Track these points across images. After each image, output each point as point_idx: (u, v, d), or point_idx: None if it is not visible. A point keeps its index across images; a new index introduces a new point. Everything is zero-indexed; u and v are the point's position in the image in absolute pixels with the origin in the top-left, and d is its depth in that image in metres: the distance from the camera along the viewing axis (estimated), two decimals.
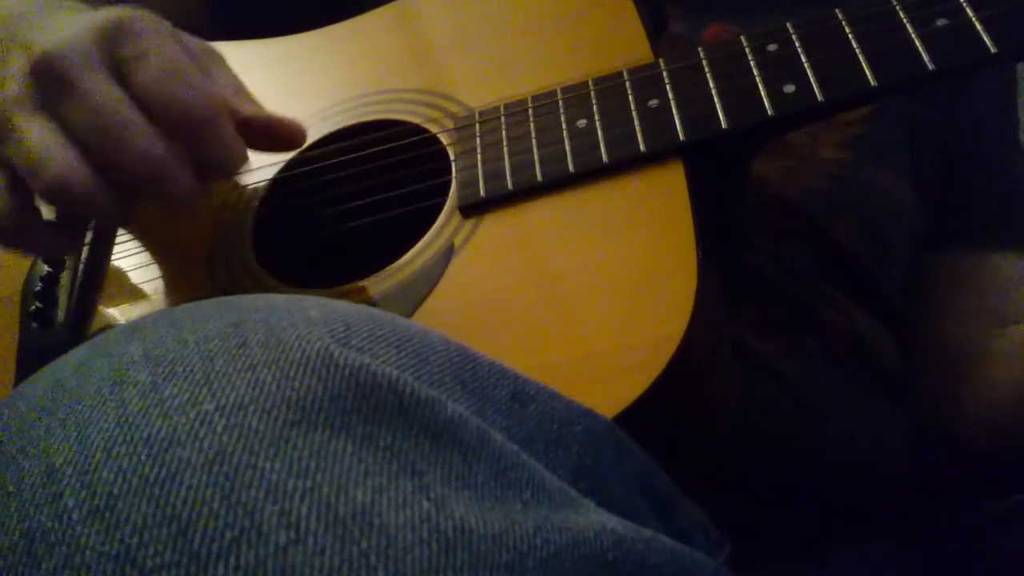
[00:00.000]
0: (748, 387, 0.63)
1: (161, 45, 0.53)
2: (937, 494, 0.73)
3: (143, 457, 0.30)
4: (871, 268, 0.69)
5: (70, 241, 0.58)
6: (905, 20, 0.54)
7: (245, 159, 0.55)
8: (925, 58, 0.53)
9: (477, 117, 0.61)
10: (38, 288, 0.64)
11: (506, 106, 0.60)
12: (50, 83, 0.51)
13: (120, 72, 0.52)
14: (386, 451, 0.32)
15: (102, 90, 0.51)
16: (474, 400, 0.37)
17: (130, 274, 0.64)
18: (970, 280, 0.74)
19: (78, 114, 0.51)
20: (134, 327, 0.36)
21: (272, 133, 0.59)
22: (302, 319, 0.35)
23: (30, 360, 0.62)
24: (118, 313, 0.62)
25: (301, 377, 0.33)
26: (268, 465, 0.30)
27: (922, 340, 0.74)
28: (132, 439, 0.31)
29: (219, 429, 0.31)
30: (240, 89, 0.58)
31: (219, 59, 0.59)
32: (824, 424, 0.65)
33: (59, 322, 0.63)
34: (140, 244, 0.65)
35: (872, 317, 0.69)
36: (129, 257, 0.65)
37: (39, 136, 0.51)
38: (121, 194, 0.53)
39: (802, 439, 0.64)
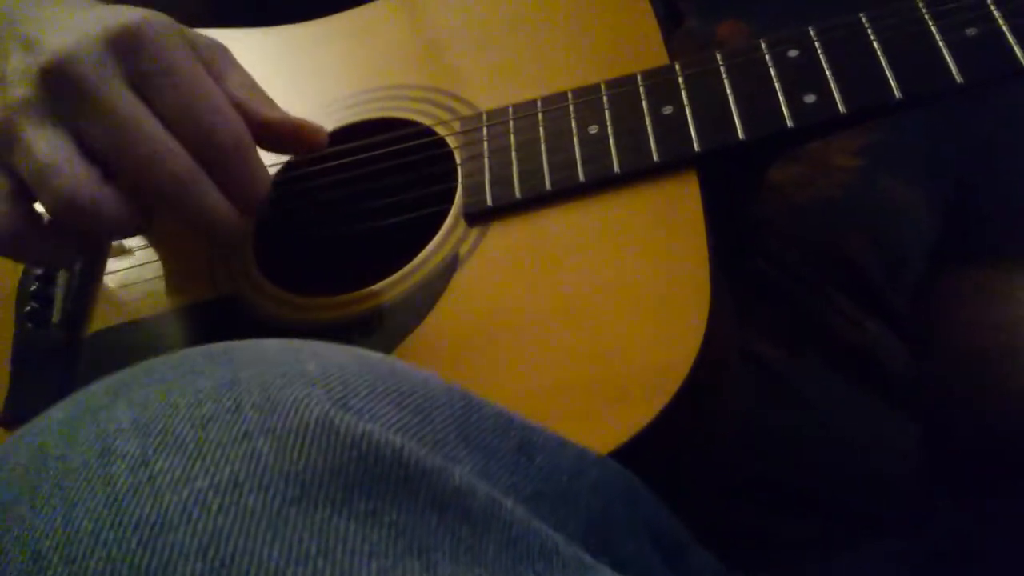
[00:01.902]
0: (754, 392, 0.62)
1: (183, 61, 0.51)
2: (945, 494, 0.73)
3: (133, 543, 0.29)
4: (879, 279, 0.68)
5: (75, 253, 0.56)
6: (933, 28, 0.52)
7: (267, 189, 0.54)
8: (953, 70, 0.51)
9: (484, 120, 0.59)
10: (33, 287, 0.63)
11: (515, 108, 0.58)
12: (63, 91, 0.49)
13: (139, 86, 0.50)
14: (391, 528, 0.31)
15: (124, 105, 0.49)
16: (479, 457, 0.36)
17: (127, 276, 0.62)
18: (991, 292, 0.73)
19: (99, 129, 0.49)
20: (120, 384, 0.35)
21: (292, 137, 0.57)
22: (298, 376, 0.34)
23: (25, 361, 0.61)
24: (114, 316, 0.61)
25: (300, 448, 0.31)
26: (266, 551, 0.29)
27: (937, 346, 0.73)
28: (121, 523, 0.29)
29: (214, 509, 0.30)
30: (254, 89, 0.56)
31: (229, 56, 0.57)
32: (829, 429, 0.64)
33: (54, 323, 0.62)
34: (138, 245, 0.63)
35: (880, 324, 0.68)
36: (129, 252, 0.63)
37: (50, 148, 0.49)
38: (139, 210, 0.51)
39: (807, 444, 0.63)
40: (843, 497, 0.64)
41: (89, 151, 0.50)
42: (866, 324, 0.67)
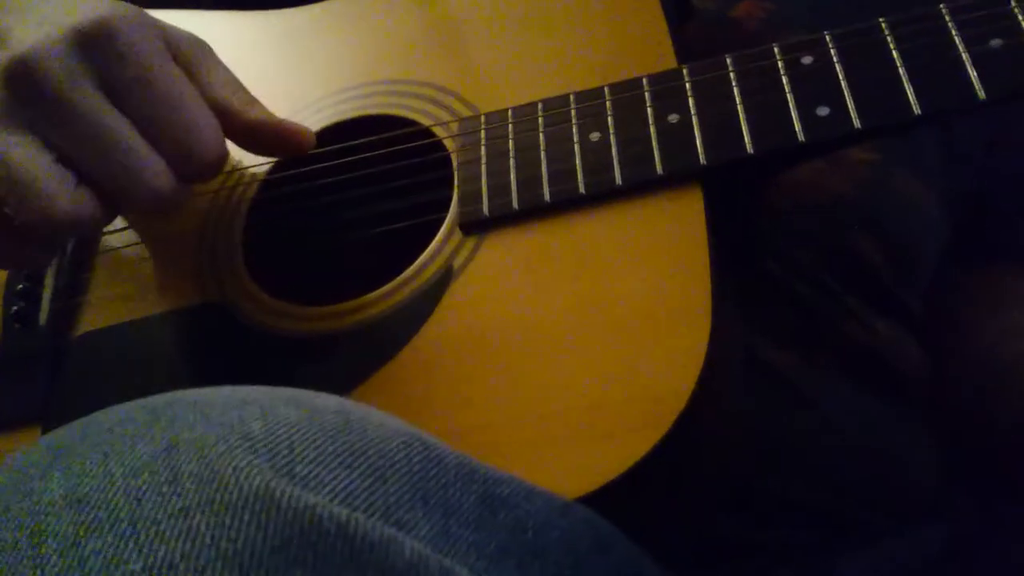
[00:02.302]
0: (761, 400, 0.60)
1: (158, 66, 0.49)
2: (957, 499, 0.71)
3: None
4: (891, 279, 0.66)
5: (51, 255, 0.56)
6: (957, 38, 0.49)
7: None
8: (976, 85, 0.48)
9: (483, 122, 0.56)
10: (20, 287, 0.61)
11: (514, 111, 0.56)
12: (27, 93, 0.47)
13: (111, 90, 0.48)
14: None
15: (95, 112, 0.47)
16: (438, 517, 0.34)
17: (117, 278, 0.61)
18: (1007, 295, 0.70)
19: (69, 136, 0.48)
20: (59, 447, 0.33)
21: (275, 140, 0.55)
22: (241, 440, 0.32)
23: (12, 361, 0.60)
24: (102, 318, 0.59)
25: (238, 525, 0.29)
26: None
27: (950, 349, 0.70)
28: None
29: None
30: (237, 88, 0.54)
31: (210, 54, 0.55)
32: (839, 435, 0.63)
33: (41, 324, 0.60)
34: (129, 247, 0.62)
35: (893, 325, 0.66)
36: (118, 254, 0.62)
37: (22, 159, 0.47)
38: (107, 212, 0.50)
39: (816, 450, 0.61)
40: (852, 504, 0.63)
41: (62, 154, 0.48)
42: (877, 326, 0.65)
